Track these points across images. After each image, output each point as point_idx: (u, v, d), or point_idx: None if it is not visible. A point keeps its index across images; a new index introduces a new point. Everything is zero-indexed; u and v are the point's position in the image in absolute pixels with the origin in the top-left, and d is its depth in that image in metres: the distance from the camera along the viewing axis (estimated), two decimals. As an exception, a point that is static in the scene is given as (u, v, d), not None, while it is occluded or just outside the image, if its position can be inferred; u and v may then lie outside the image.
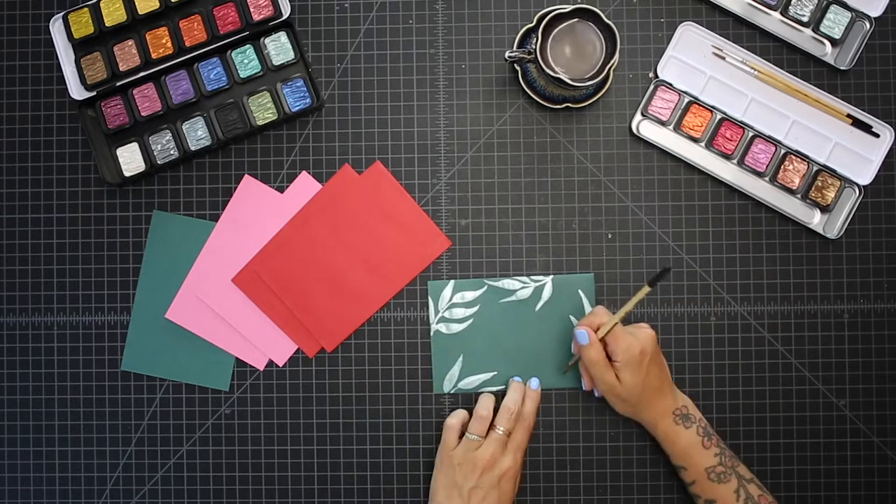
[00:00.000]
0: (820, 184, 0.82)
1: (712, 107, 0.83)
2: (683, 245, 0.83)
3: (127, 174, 0.82)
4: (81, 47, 0.82)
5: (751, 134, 0.83)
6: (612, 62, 0.77)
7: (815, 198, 0.82)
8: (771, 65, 0.83)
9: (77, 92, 0.82)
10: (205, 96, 0.83)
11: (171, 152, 0.83)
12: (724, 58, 0.83)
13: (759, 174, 0.83)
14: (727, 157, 0.83)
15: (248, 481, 0.83)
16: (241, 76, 0.83)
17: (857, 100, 0.83)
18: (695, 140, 0.83)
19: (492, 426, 0.78)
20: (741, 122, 0.83)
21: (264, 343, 0.83)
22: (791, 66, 0.84)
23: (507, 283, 0.83)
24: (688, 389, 0.82)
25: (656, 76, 0.84)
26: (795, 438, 0.82)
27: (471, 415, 0.80)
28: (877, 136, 0.83)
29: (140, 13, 0.81)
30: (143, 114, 0.82)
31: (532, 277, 0.83)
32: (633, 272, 0.83)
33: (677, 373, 0.82)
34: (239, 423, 0.83)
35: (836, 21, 0.83)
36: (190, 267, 0.84)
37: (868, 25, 0.83)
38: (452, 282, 0.83)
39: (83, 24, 0.82)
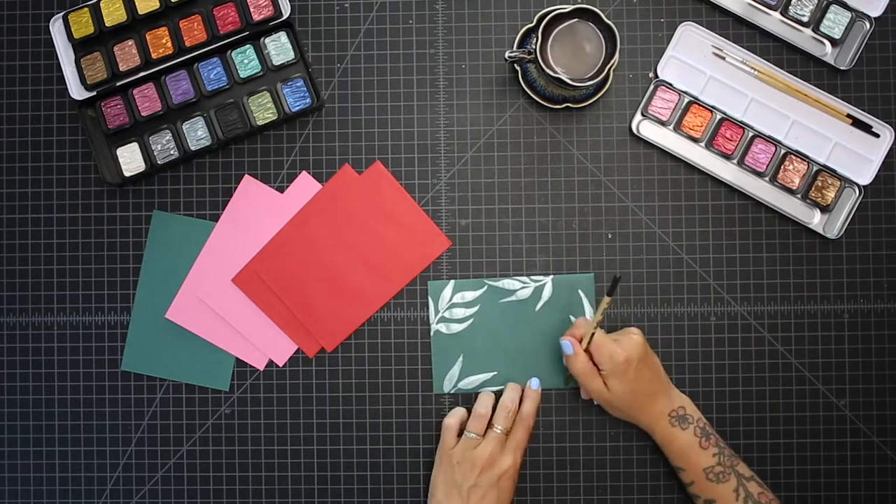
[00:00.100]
0: (820, 184, 0.82)
1: (712, 107, 0.83)
2: (683, 245, 0.83)
3: (127, 174, 0.82)
4: (81, 47, 0.82)
5: (751, 134, 0.83)
6: (612, 62, 0.77)
7: (815, 198, 0.82)
8: (771, 65, 0.83)
9: (77, 92, 0.82)
10: (205, 96, 0.83)
11: (171, 152, 0.83)
12: (724, 58, 0.83)
13: (759, 174, 0.83)
14: (727, 157, 0.83)
15: (248, 481, 0.83)
16: (241, 76, 0.83)
17: (857, 100, 0.83)
18: (695, 140, 0.83)
19: (490, 425, 0.78)
20: (741, 122, 0.83)
21: (264, 343, 0.83)
22: (791, 66, 0.84)
23: (507, 283, 0.83)
24: (687, 389, 0.82)
25: (656, 76, 0.84)
26: (795, 438, 0.82)
27: (469, 414, 0.81)
28: (877, 136, 0.83)
29: (140, 13, 0.81)
30: (143, 114, 0.82)
31: (532, 277, 0.83)
32: (633, 272, 0.83)
33: (677, 373, 0.82)
34: (239, 423, 0.83)
35: (836, 21, 0.83)
36: (190, 267, 0.84)
37: (868, 25, 0.83)
38: (452, 282, 0.83)
39: (83, 24, 0.82)
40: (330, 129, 0.85)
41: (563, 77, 0.77)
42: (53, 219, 0.84)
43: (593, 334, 0.77)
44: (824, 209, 0.82)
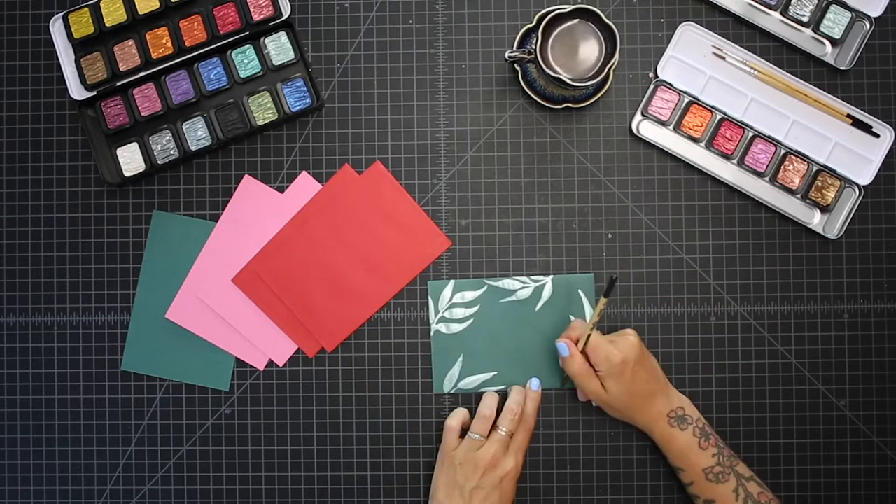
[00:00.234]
0: (820, 184, 0.82)
1: (712, 107, 0.83)
2: (683, 245, 0.83)
3: (127, 174, 0.82)
4: (81, 47, 0.82)
5: (751, 134, 0.83)
6: (612, 62, 0.77)
7: (815, 198, 0.82)
8: (771, 65, 0.83)
9: (77, 92, 0.82)
10: (205, 96, 0.83)
11: (171, 152, 0.83)
12: (724, 58, 0.83)
13: (759, 174, 0.83)
14: (727, 157, 0.83)
15: (248, 481, 0.83)
16: (241, 76, 0.83)
17: (857, 100, 0.83)
18: (695, 140, 0.83)
19: (494, 427, 0.78)
20: (741, 122, 0.83)
21: (264, 343, 0.83)
22: (791, 66, 0.84)
23: (507, 283, 0.83)
24: (687, 389, 0.82)
25: (656, 76, 0.84)
26: (795, 438, 0.82)
27: (471, 414, 0.81)
28: (877, 136, 0.83)
29: (140, 13, 0.81)
30: (143, 114, 0.82)
31: (532, 277, 0.83)
32: (633, 272, 0.83)
33: (677, 373, 0.82)
34: (239, 423, 0.83)
35: (836, 21, 0.83)
36: (190, 267, 0.84)
37: (868, 25, 0.83)
38: (452, 282, 0.83)
39: (83, 24, 0.82)
40: (330, 129, 0.85)
41: (563, 77, 0.77)
42: (53, 219, 0.84)
43: (589, 336, 0.77)
44: (824, 209, 0.82)
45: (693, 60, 0.84)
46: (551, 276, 0.83)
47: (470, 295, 0.83)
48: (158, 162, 0.83)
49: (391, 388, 0.83)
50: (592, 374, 0.77)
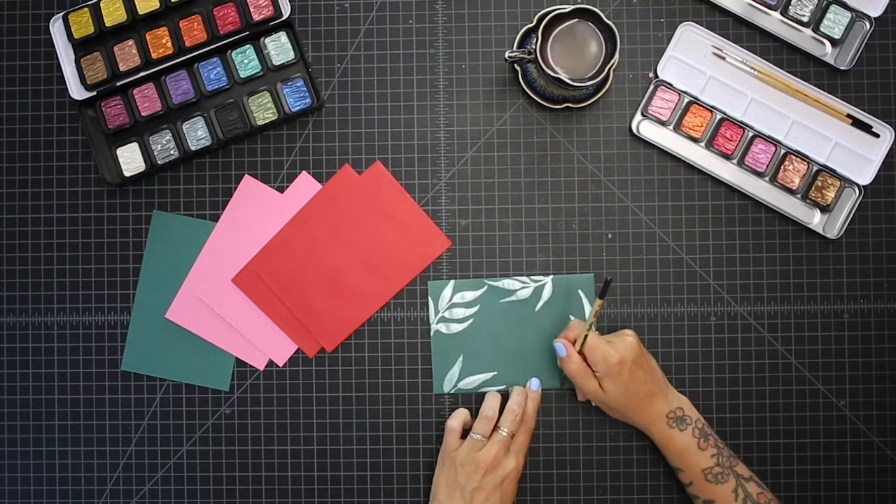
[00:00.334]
0: (820, 184, 0.82)
1: (712, 107, 0.83)
2: (683, 245, 0.83)
3: (127, 174, 0.82)
4: (81, 47, 0.82)
5: (751, 134, 0.83)
6: (612, 62, 0.77)
7: (815, 198, 0.82)
8: (771, 65, 0.83)
9: (77, 92, 0.82)
10: (205, 96, 0.83)
11: (171, 152, 0.83)
12: (724, 58, 0.83)
13: (759, 174, 0.83)
14: (727, 157, 0.83)
15: (248, 481, 0.83)
16: (241, 76, 0.83)
17: (857, 100, 0.83)
18: (695, 140, 0.83)
19: (495, 427, 0.78)
20: (741, 122, 0.83)
21: (264, 343, 0.83)
22: (791, 66, 0.84)
23: (507, 283, 0.83)
24: (687, 389, 0.82)
25: (656, 76, 0.84)
26: (795, 438, 0.82)
27: (472, 414, 0.81)
28: (877, 136, 0.83)
29: (140, 13, 0.81)
30: (143, 114, 0.82)
31: (532, 277, 0.83)
32: (633, 272, 0.83)
33: (677, 373, 0.82)
34: (239, 423, 0.83)
35: (836, 21, 0.83)
36: (190, 267, 0.84)
37: (868, 25, 0.83)
38: (452, 282, 0.83)
39: (83, 24, 0.82)
40: (330, 129, 0.85)
41: (563, 77, 0.77)
42: (53, 219, 0.84)
43: (587, 336, 0.77)
44: (824, 209, 0.82)
45: (693, 60, 0.84)
46: (551, 276, 0.83)
47: (470, 295, 0.83)
48: (158, 162, 0.83)
49: (391, 388, 0.83)
50: (590, 374, 0.77)
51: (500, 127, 0.84)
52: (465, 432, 0.80)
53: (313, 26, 0.85)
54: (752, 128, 0.83)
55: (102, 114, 0.82)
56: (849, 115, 0.83)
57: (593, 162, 0.84)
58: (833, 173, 0.83)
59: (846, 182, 0.83)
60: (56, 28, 0.82)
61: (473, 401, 0.83)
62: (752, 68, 0.83)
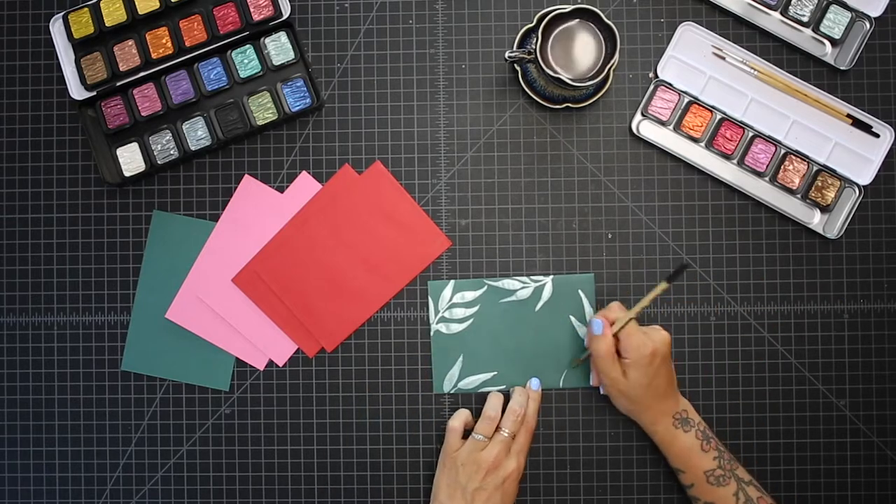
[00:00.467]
0: (820, 184, 0.82)
1: (712, 107, 0.83)
2: (683, 245, 0.83)
3: (127, 174, 0.82)
4: (81, 47, 0.82)
5: (751, 134, 0.83)
6: (612, 62, 0.77)
7: (815, 198, 0.82)
8: (771, 65, 0.83)
9: (77, 92, 0.82)
10: (205, 96, 0.83)
11: (171, 152, 0.83)
12: (724, 58, 0.83)
13: (759, 174, 0.83)
14: (727, 157, 0.83)
15: (248, 481, 0.83)
16: (241, 76, 0.83)
17: (857, 100, 0.83)
18: (695, 140, 0.83)
19: (497, 428, 0.78)
20: (741, 122, 0.83)
21: (264, 343, 0.83)
22: (791, 66, 0.84)
23: (507, 283, 0.83)
24: (687, 389, 0.82)
25: (656, 76, 0.84)
26: (795, 438, 0.82)
27: (473, 414, 0.81)
28: (877, 136, 0.83)
29: (140, 13, 0.81)
30: (143, 114, 0.82)
31: (532, 277, 0.83)
32: (633, 272, 0.83)
33: (677, 373, 0.82)
34: (239, 423, 0.83)
35: (836, 21, 0.83)
36: (190, 267, 0.84)
37: (868, 25, 0.83)
38: (452, 282, 0.83)
39: (83, 24, 0.82)
40: (330, 129, 0.85)
41: (563, 77, 0.77)
42: (53, 219, 0.84)
43: (628, 321, 0.76)
44: (824, 209, 0.82)
45: (693, 60, 0.84)
46: (551, 276, 0.83)
47: (470, 295, 0.83)
48: (158, 162, 0.83)
49: (391, 388, 0.83)
50: (616, 359, 0.76)
51: (500, 127, 0.84)
52: (467, 433, 0.80)
53: (313, 26, 0.85)
54: (752, 128, 0.83)
55: (102, 114, 0.82)
56: (849, 115, 0.83)
57: (593, 162, 0.84)
58: (833, 173, 0.83)
59: (846, 182, 0.83)
60: (56, 28, 0.82)
61: (473, 401, 0.83)
62: (752, 68, 0.83)
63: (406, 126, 0.84)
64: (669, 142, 0.83)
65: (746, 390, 0.82)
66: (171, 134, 0.83)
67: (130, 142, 0.83)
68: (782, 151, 0.83)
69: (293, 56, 0.83)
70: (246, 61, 0.83)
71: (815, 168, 0.83)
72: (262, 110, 0.83)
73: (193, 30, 0.82)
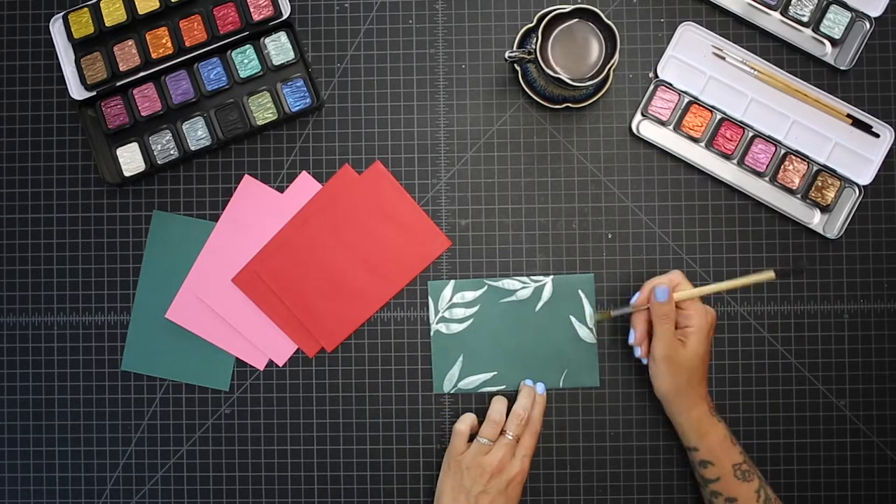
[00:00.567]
0: (820, 184, 0.82)
1: (712, 107, 0.83)
2: (683, 245, 0.83)
3: (127, 174, 0.82)
4: (81, 47, 0.82)
5: (751, 134, 0.83)
6: (612, 62, 0.77)
7: (815, 198, 0.82)
8: (771, 65, 0.83)
9: (77, 92, 0.82)
10: (205, 96, 0.83)
11: (171, 152, 0.83)
12: (724, 58, 0.83)
13: (759, 174, 0.83)
14: (727, 157, 0.83)
15: (248, 481, 0.83)
16: (241, 76, 0.83)
17: (857, 100, 0.83)
18: (695, 140, 0.83)
19: (502, 431, 0.78)
20: (741, 122, 0.83)
21: (264, 343, 0.83)
22: (791, 66, 0.84)
23: (507, 283, 0.83)
24: (688, 389, 0.82)
25: (656, 76, 0.84)
26: (795, 438, 0.82)
27: (479, 418, 0.80)
28: (877, 136, 0.83)
29: (140, 13, 0.81)
30: (143, 114, 0.82)
31: (532, 277, 0.83)
32: (633, 272, 0.83)
33: (677, 373, 0.82)
34: (239, 423, 0.83)
35: (836, 21, 0.83)
36: (190, 267, 0.84)
37: (868, 25, 0.83)
38: (452, 282, 0.83)
39: (83, 24, 0.82)
40: (330, 129, 0.85)
41: (563, 77, 0.77)
42: (53, 219, 0.84)
43: (697, 294, 0.75)
44: (824, 209, 0.82)
45: (693, 60, 0.84)
46: (551, 276, 0.83)
47: (470, 295, 0.83)
48: (158, 162, 0.83)
49: (391, 388, 0.83)
50: (675, 323, 0.76)
51: (500, 127, 0.84)
52: (472, 438, 0.79)
53: (313, 26, 0.85)
54: (752, 128, 0.83)
55: (102, 114, 0.82)
56: (849, 115, 0.83)
57: (593, 162, 0.84)
58: (833, 173, 0.83)
59: (846, 182, 0.83)
60: (56, 28, 0.82)
61: (473, 401, 0.83)
62: (752, 68, 0.83)
63: (406, 126, 0.84)
64: (669, 142, 0.83)
65: (746, 390, 0.82)
66: (171, 134, 0.83)
67: (130, 142, 0.83)
68: (782, 151, 0.83)
69: (293, 56, 0.83)
70: (246, 61, 0.83)
71: (815, 168, 0.83)
72: (262, 110, 0.83)
73: (193, 30, 0.82)
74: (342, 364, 0.83)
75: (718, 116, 0.83)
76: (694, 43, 0.84)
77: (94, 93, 0.82)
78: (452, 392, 0.83)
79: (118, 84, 0.82)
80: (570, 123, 0.84)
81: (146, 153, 0.83)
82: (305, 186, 0.84)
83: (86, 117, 0.83)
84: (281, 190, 0.84)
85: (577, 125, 0.84)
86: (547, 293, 0.83)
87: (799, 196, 0.83)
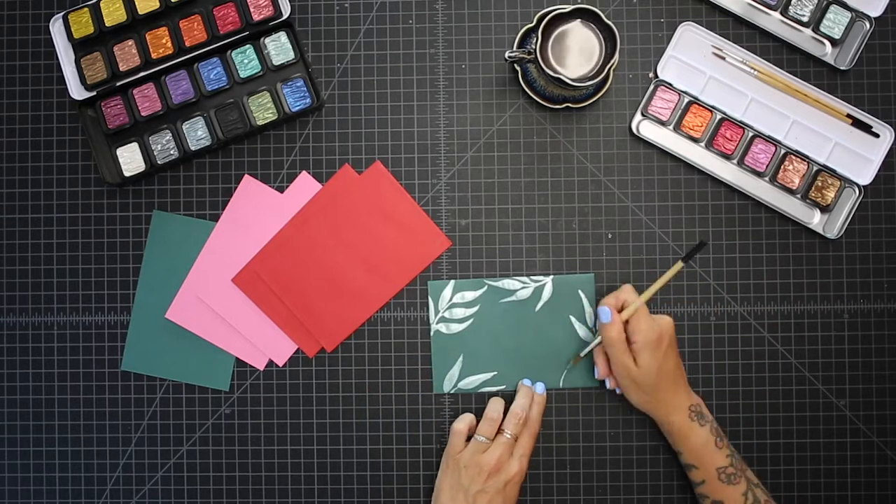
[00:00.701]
0: (820, 184, 0.82)
1: (712, 107, 0.83)
2: (683, 245, 0.83)
3: (127, 174, 0.82)
4: (81, 47, 0.82)
5: (751, 134, 0.83)
6: (612, 62, 0.77)
7: (815, 198, 0.82)
8: (771, 65, 0.83)
9: (77, 92, 0.82)
10: (205, 96, 0.83)
11: (171, 152, 0.83)
12: (724, 58, 0.83)
13: (759, 174, 0.83)
14: (727, 157, 0.83)
15: (248, 481, 0.83)
16: (241, 76, 0.83)
17: (857, 100, 0.83)
18: (695, 140, 0.83)
19: (500, 430, 0.78)
20: (741, 122, 0.83)
21: (264, 343, 0.83)
22: (791, 66, 0.84)
23: (507, 283, 0.83)
24: (688, 389, 0.82)
25: (656, 76, 0.84)
26: (795, 438, 0.82)
27: (478, 418, 0.80)
28: (877, 136, 0.83)
29: (140, 13, 0.81)
30: (143, 114, 0.82)
31: (532, 277, 0.83)
32: (633, 272, 0.83)
33: (677, 373, 0.82)
34: (239, 423, 0.83)
35: (836, 21, 0.83)
36: (190, 267, 0.84)
37: (868, 25, 0.83)
38: (452, 282, 0.83)
39: (83, 24, 0.82)
40: (330, 129, 0.85)
41: (563, 77, 0.77)
42: (53, 219, 0.84)
43: (638, 306, 0.76)
44: (824, 209, 0.82)
45: (693, 60, 0.84)
46: (551, 276, 0.83)
47: (470, 295, 0.83)
48: (158, 162, 0.83)
49: (391, 388, 0.83)
50: (627, 346, 0.76)
51: (500, 127, 0.84)
52: (470, 438, 0.79)
53: (313, 26, 0.85)
54: (752, 128, 0.83)
55: (102, 114, 0.82)
56: (849, 115, 0.83)
57: (593, 162, 0.84)
58: (833, 173, 0.83)
59: (846, 182, 0.83)
60: (56, 28, 0.82)
61: (473, 401, 0.83)
62: (752, 68, 0.83)
63: (406, 126, 0.84)
64: (669, 142, 0.83)
65: (746, 390, 0.82)
66: (171, 134, 0.83)
67: (130, 142, 0.83)
68: (782, 151, 0.83)
69: (293, 56, 0.83)
70: (246, 61, 0.83)
71: (815, 168, 0.83)
72: (262, 110, 0.83)
73: (193, 30, 0.82)
74: (342, 364, 0.83)
75: (718, 116, 0.83)
76: (694, 43, 0.84)
77: (94, 93, 0.82)
78: (452, 392, 0.83)
79: (118, 84, 0.82)
80: (570, 123, 0.84)
81: (146, 153, 0.83)
82: (305, 186, 0.84)
83: (86, 117, 0.83)
84: (281, 190, 0.84)
85: (577, 125, 0.84)
86: (547, 293, 0.83)
87: (799, 196, 0.83)
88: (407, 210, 0.84)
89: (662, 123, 0.83)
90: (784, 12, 0.83)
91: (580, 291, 0.83)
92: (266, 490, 0.83)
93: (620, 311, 0.77)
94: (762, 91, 0.83)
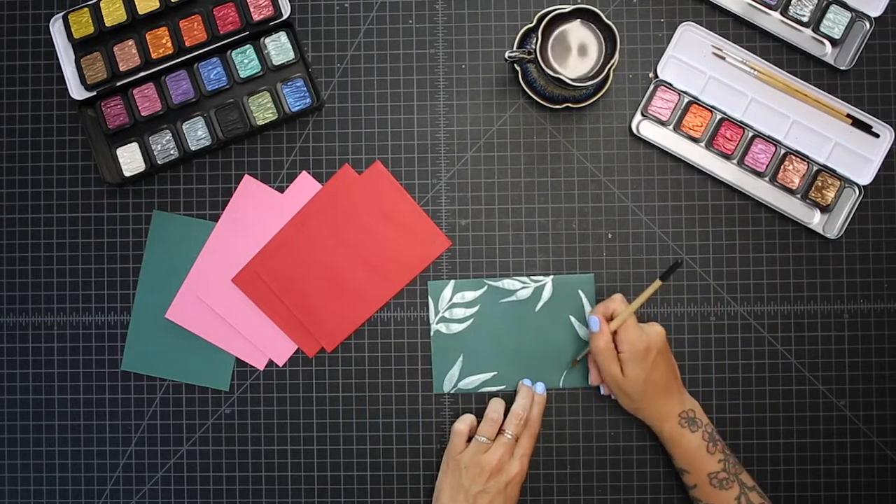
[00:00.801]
0: (820, 184, 0.82)
1: (712, 107, 0.83)
2: (683, 245, 0.83)
3: (127, 174, 0.82)
4: (81, 47, 0.82)
5: (751, 134, 0.83)
6: (612, 62, 0.77)
7: (815, 198, 0.82)
8: (771, 65, 0.83)
9: (77, 92, 0.82)
10: (205, 96, 0.83)
11: (171, 152, 0.83)
12: (724, 58, 0.83)
13: (759, 174, 0.83)
14: (727, 157, 0.83)
15: (248, 481, 0.83)
16: (241, 76, 0.83)
17: (857, 100, 0.83)
18: (695, 140, 0.83)
19: (500, 430, 0.78)
20: (741, 122, 0.83)
21: (264, 343, 0.83)
22: (791, 66, 0.84)
23: (507, 283, 0.83)
24: (687, 389, 0.82)
25: (656, 76, 0.84)
26: (795, 438, 0.82)
27: (478, 419, 0.80)
28: (877, 136, 0.83)
29: (140, 13, 0.81)
30: (143, 114, 0.82)
31: (532, 277, 0.83)
32: (633, 272, 0.83)
33: (677, 373, 0.82)
34: (239, 423, 0.83)
35: (836, 21, 0.83)
36: (190, 267, 0.84)
37: (868, 25, 0.83)
38: (452, 282, 0.83)
39: (83, 24, 0.82)
40: (330, 129, 0.85)
41: (563, 77, 0.77)
42: (53, 219, 0.84)
43: (625, 317, 0.76)
44: (824, 209, 0.82)
45: (693, 60, 0.84)
46: (551, 277, 0.83)
47: (470, 295, 0.83)
48: (158, 162, 0.83)
49: (391, 388, 0.83)
50: (615, 355, 0.77)
51: (500, 127, 0.84)
52: (471, 438, 0.79)
53: (313, 26, 0.85)
54: (752, 128, 0.83)
55: (102, 114, 0.82)
56: (849, 115, 0.83)
57: (593, 162, 0.84)
58: (833, 173, 0.83)
59: (846, 182, 0.83)
60: (56, 28, 0.82)
61: (473, 401, 0.83)
62: (752, 68, 0.83)
63: (406, 126, 0.84)
64: (669, 142, 0.83)
65: (746, 390, 0.82)
66: (171, 134, 0.83)
67: (130, 142, 0.83)
68: (782, 151, 0.83)
69: (293, 56, 0.83)
70: (246, 61, 0.83)
71: (815, 168, 0.83)
72: (262, 110, 0.83)
73: (193, 30, 0.82)
74: (342, 364, 0.83)
75: (718, 116, 0.83)
76: (694, 43, 0.84)
77: (94, 93, 0.82)
78: (452, 392, 0.83)
79: (118, 84, 0.82)
80: (570, 123, 0.84)
81: (146, 153, 0.83)
82: (305, 186, 0.84)
83: (86, 117, 0.83)
84: (281, 190, 0.84)
85: (577, 125, 0.84)
86: (547, 293, 0.83)
87: (799, 196, 0.83)
88: (407, 210, 0.84)
89: (662, 123, 0.83)
90: (784, 12, 0.83)
91: (580, 291, 0.83)
92: (266, 490, 0.83)
93: (610, 320, 0.78)
94: (762, 91, 0.83)
